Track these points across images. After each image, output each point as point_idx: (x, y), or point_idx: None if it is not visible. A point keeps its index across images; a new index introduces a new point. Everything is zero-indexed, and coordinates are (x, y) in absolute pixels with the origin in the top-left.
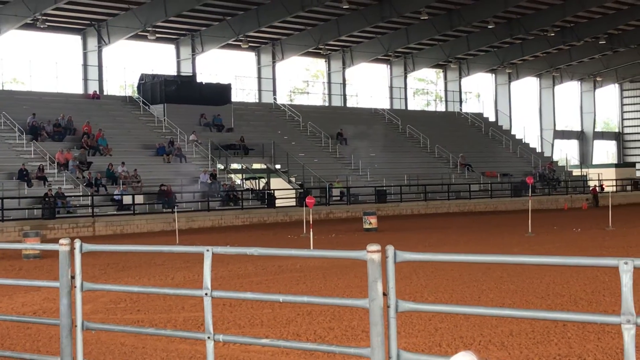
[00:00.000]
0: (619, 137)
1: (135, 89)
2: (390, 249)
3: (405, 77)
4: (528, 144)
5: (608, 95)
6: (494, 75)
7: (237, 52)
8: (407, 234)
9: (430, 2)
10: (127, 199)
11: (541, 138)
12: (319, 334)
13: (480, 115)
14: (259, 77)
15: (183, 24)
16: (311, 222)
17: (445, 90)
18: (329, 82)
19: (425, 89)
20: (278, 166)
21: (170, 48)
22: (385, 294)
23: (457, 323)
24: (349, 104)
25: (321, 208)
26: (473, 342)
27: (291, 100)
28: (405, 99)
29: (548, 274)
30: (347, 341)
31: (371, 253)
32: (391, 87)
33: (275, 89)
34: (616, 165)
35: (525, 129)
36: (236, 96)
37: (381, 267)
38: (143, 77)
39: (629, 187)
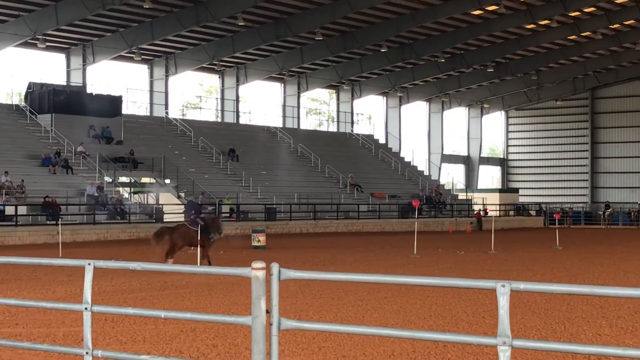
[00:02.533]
0: (503, 163)
1: (23, 97)
2: (274, 267)
3: (299, 97)
4: (416, 167)
5: (494, 121)
6: (385, 98)
7: (130, 64)
8: (295, 252)
9: (324, 24)
10: (9, 210)
11: (429, 161)
12: (202, 351)
13: (371, 137)
14: (151, 91)
15: (74, 33)
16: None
17: (338, 111)
18: (222, 98)
19: (318, 109)
20: (167, 181)
21: (61, 57)
22: (268, 312)
23: (340, 342)
24: (242, 121)
25: None
26: None
27: (183, 115)
28: (298, 118)
29: (431, 295)
30: (230, 359)
31: (256, 270)
32: (284, 106)
33: (167, 102)
34: (500, 191)
35: (414, 151)
36: (127, 109)
37: (265, 284)
38: (31, 86)
39: (511, 212)
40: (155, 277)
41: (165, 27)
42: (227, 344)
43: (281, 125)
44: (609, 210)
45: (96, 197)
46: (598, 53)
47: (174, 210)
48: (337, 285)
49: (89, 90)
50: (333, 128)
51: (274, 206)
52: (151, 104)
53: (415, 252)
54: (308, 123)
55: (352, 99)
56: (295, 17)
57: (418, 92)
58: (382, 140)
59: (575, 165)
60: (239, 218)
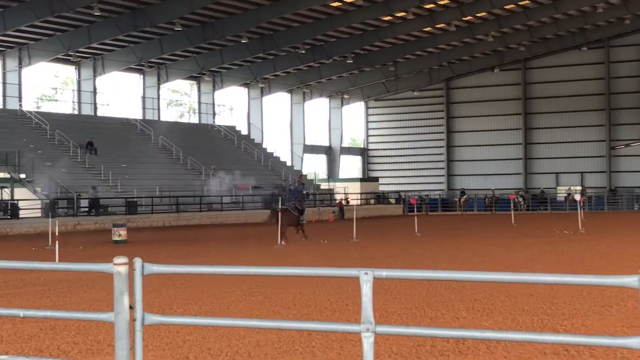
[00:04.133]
0: (364, 152)
1: None
2: (137, 262)
3: (159, 88)
4: (279, 158)
5: (355, 112)
6: (247, 89)
7: None
8: (157, 246)
9: (184, 14)
10: None
11: (292, 152)
12: (62, 349)
13: (233, 128)
14: (4, 83)
15: None
16: (57, 234)
17: (199, 102)
18: (79, 90)
19: (179, 100)
20: (23, 175)
21: None
22: (132, 307)
23: (205, 335)
24: (100, 113)
25: (68, 219)
26: (221, 353)
27: (38, 108)
28: (158, 109)
29: (296, 284)
30: (92, 356)
31: (118, 266)
32: (144, 97)
33: (21, 95)
34: (361, 180)
35: (277, 142)
36: None
37: (128, 279)
38: None
39: (372, 201)
40: (12, 274)
41: (18, 18)
42: (89, 341)
43: (141, 117)
44: (464, 197)
45: None
46: (452, 44)
47: (30, 206)
48: (201, 278)
49: None
50: (195, 119)
51: (135, 199)
52: (4, 96)
53: (279, 242)
54: (169, 115)
55: (214, 90)
56: (154, 7)
57: (279, 83)
58: (244, 132)
59: (433, 154)
60: (98, 212)
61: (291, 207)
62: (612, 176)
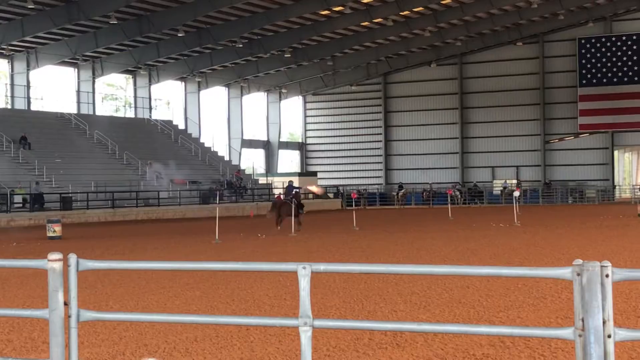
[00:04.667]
0: (302, 147)
1: None
2: (72, 257)
3: (94, 82)
4: (217, 152)
5: (293, 106)
6: (183, 83)
7: None
8: (93, 242)
9: (119, 7)
10: None
11: (229, 147)
12: None
13: (170, 122)
14: None
15: None
16: None
17: (135, 97)
18: (12, 84)
19: (115, 94)
20: None
21: None
22: (66, 304)
23: (142, 331)
24: (34, 108)
25: (1, 215)
26: (158, 349)
27: None
28: (93, 104)
29: (234, 279)
30: (27, 353)
31: (52, 262)
32: (79, 92)
33: None
34: (299, 174)
35: (214, 137)
36: None
37: (63, 276)
38: None
39: (310, 195)
40: None
41: None
42: (23, 338)
43: (76, 112)
44: (402, 191)
45: None
46: (389, 39)
47: None
48: (138, 274)
49: None
50: (131, 114)
51: (70, 195)
52: None
53: (217, 237)
54: (104, 109)
55: (150, 84)
56: (88, 0)
57: (217, 78)
58: (181, 126)
59: (370, 149)
60: (32, 208)
61: (291, 200)
62: (546, 170)
